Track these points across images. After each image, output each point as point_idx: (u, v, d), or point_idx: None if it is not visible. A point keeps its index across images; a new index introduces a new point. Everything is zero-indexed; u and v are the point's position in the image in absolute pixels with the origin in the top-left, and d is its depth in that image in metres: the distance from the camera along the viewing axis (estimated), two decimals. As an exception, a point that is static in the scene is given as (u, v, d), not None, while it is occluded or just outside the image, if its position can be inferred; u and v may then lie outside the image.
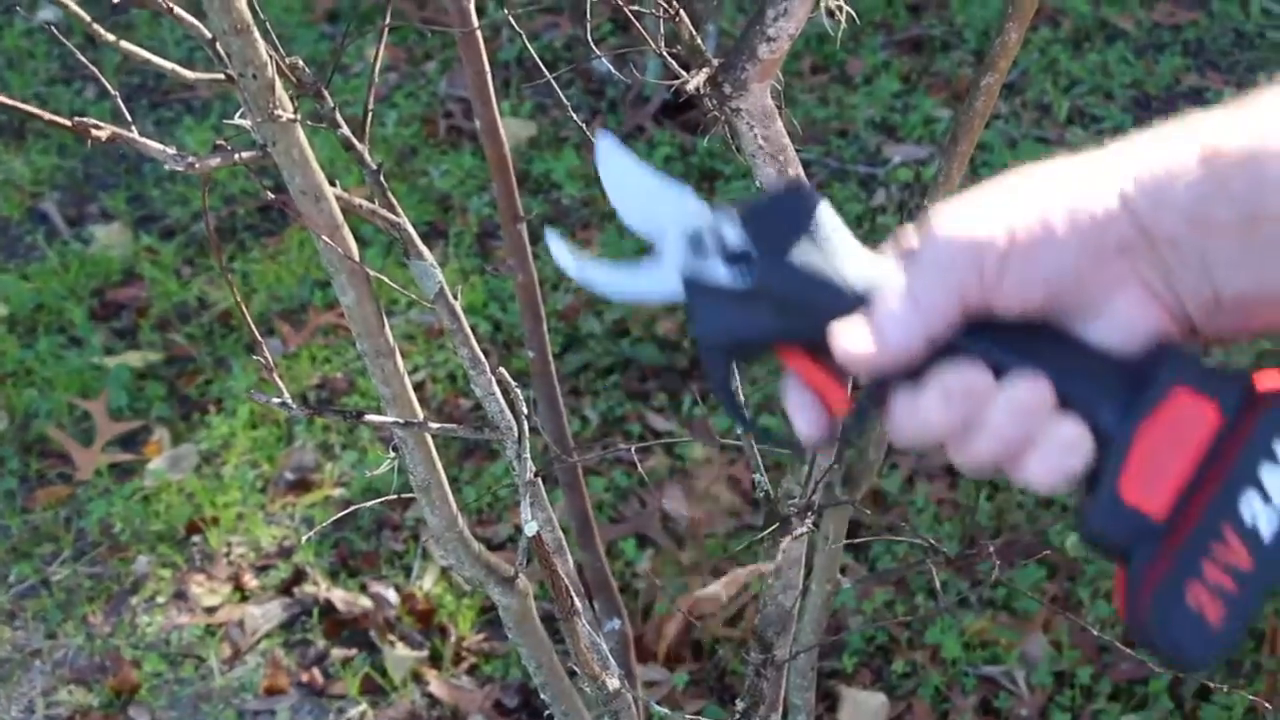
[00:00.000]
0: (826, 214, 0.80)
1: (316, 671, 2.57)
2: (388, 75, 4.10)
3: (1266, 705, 2.36)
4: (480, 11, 1.79)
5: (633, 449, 1.68)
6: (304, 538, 2.81)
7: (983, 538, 2.44)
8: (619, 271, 0.84)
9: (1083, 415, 0.74)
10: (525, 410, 1.41)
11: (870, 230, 3.57)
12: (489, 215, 3.64)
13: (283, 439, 3.06)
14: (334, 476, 2.97)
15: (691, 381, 3.12)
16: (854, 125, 3.85)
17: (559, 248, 0.85)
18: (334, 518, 2.86)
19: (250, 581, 2.74)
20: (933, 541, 1.54)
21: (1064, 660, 2.45)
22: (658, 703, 2.11)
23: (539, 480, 1.47)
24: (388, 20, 1.34)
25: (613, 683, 1.52)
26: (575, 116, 1.62)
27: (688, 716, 1.48)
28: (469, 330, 1.39)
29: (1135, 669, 2.41)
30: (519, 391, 1.39)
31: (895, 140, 3.87)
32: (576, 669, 1.51)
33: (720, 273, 0.80)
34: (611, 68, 2.33)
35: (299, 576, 2.74)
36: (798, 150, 1.37)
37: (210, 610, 2.70)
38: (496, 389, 1.42)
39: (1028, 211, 0.76)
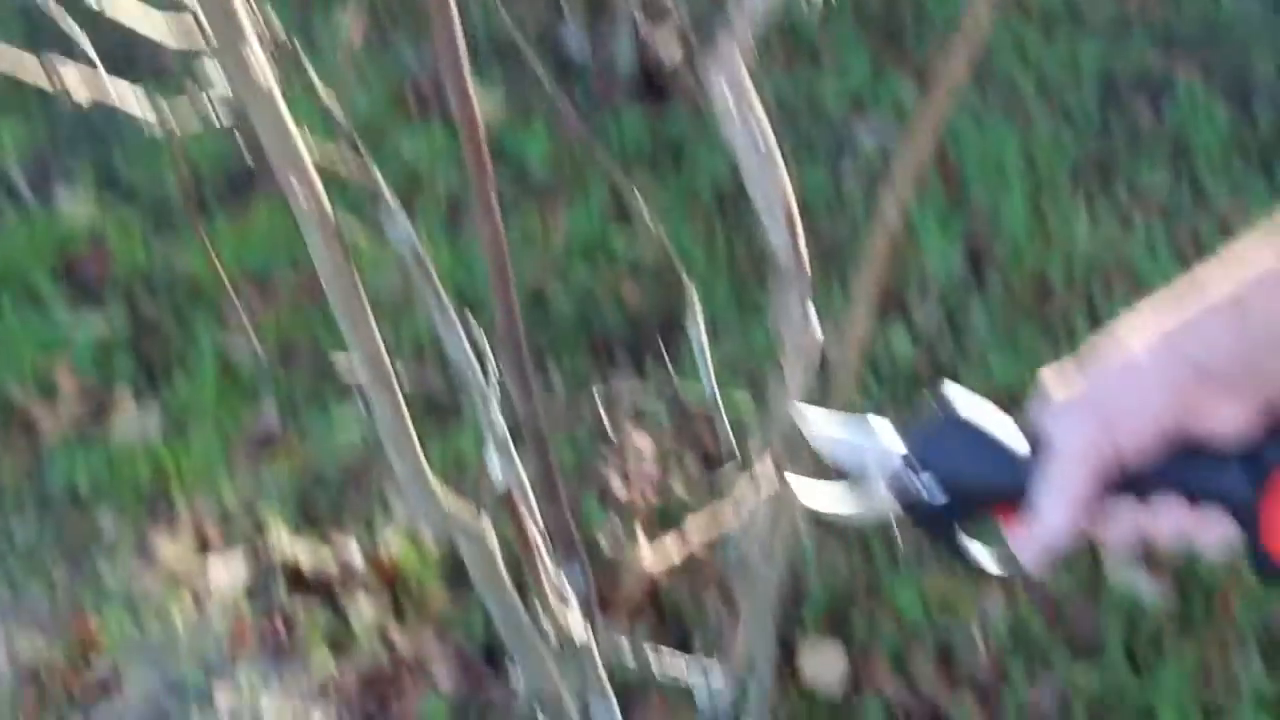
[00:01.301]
0: (968, 407, 1.02)
1: (280, 626, 2.58)
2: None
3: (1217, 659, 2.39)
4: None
5: (596, 396, 1.69)
6: (269, 495, 2.82)
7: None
8: (843, 496, 1.04)
9: (1221, 503, 0.96)
10: (494, 368, 1.42)
11: (840, 209, 3.59)
12: (459, 190, 3.65)
13: (249, 400, 3.07)
14: (300, 436, 2.97)
15: (657, 347, 3.14)
16: (824, 105, 3.88)
17: (798, 482, 1.06)
18: (298, 475, 2.88)
19: (215, 539, 2.75)
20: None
21: (1022, 616, 2.47)
22: (628, 657, 2.12)
23: (507, 436, 1.48)
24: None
25: (577, 632, 1.53)
26: (546, 86, 1.63)
27: (649, 650, 1.50)
28: (439, 286, 1.41)
29: (1091, 625, 2.43)
30: (489, 349, 1.41)
31: (865, 120, 3.89)
32: (541, 619, 1.52)
33: (922, 492, 1.01)
34: (583, 41, 2.35)
35: (264, 534, 2.74)
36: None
37: (175, 567, 2.70)
38: (467, 346, 1.43)
39: (1129, 385, 0.97)
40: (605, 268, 3.40)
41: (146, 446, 2.95)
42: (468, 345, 1.40)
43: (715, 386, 1.36)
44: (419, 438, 2.88)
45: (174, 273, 3.46)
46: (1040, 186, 3.57)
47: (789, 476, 1.08)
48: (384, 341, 3.21)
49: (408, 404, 2.98)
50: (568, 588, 1.64)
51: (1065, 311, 3.17)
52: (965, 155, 3.67)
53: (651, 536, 2.70)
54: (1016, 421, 1.03)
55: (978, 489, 1.01)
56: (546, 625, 1.53)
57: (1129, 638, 2.42)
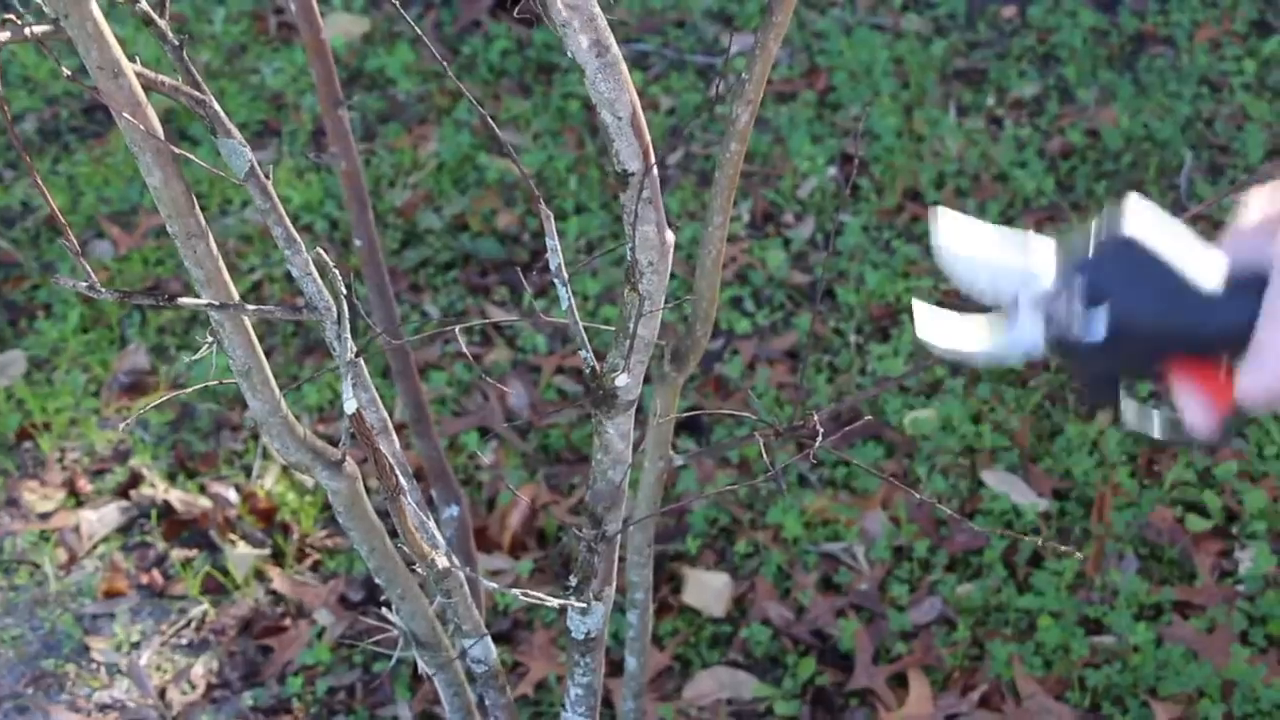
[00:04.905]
0: (1149, 228, 0.85)
1: (156, 573, 2.54)
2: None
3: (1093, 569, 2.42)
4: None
5: (456, 329, 1.66)
6: (140, 440, 2.76)
7: (821, 416, 2.45)
8: (975, 330, 0.89)
9: None
10: (344, 289, 1.38)
11: (709, 120, 3.57)
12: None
13: (115, 342, 3.00)
14: (169, 378, 2.92)
15: (532, 274, 3.11)
16: (691, 15, 3.84)
17: (921, 310, 0.91)
18: (170, 419, 2.82)
19: (85, 486, 2.69)
20: (765, 419, 1.55)
21: (902, 535, 2.49)
22: (503, 591, 2.10)
23: (360, 360, 1.45)
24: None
25: (441, 560, 1.51)
26: (405, 15, 1.59)
27: (519, 592, 1.48)
28: (281, 209, 1.36)
29: (970, 540, 2.45)
30: (336, 271, 1.37)
31: (733, 30, 3.86)
32: (405, 548, 1.50)
33: (1076, 326, 0.85)
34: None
35: (136, 479, 2.69)
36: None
37: (44, 516, 2.64)
38: (313, 268, 1.39)
39: None
40: (476, 191, 3.36)
41: (10, 392, 2.88)
42: (315, 271, 1.36)
43: (575, 310, 1.34)
44: (293, 377, 2.83)
45: (33, 209, 3.37)
46: (910, 95, 3.56)
47: (914, 304, 0.93)
48: (254, 270, 3.14)
49: (284, 344, 2.93)
50: (428, 518, 1.61)
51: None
52: (835, 66, 3.66)
53: (531, 467, 2.68)
54: (1217, 249, 0.86)
55: (1150, 330, 0.85)
56: (411, 553, 1.51)
57: (1007, 551, 2.44)
